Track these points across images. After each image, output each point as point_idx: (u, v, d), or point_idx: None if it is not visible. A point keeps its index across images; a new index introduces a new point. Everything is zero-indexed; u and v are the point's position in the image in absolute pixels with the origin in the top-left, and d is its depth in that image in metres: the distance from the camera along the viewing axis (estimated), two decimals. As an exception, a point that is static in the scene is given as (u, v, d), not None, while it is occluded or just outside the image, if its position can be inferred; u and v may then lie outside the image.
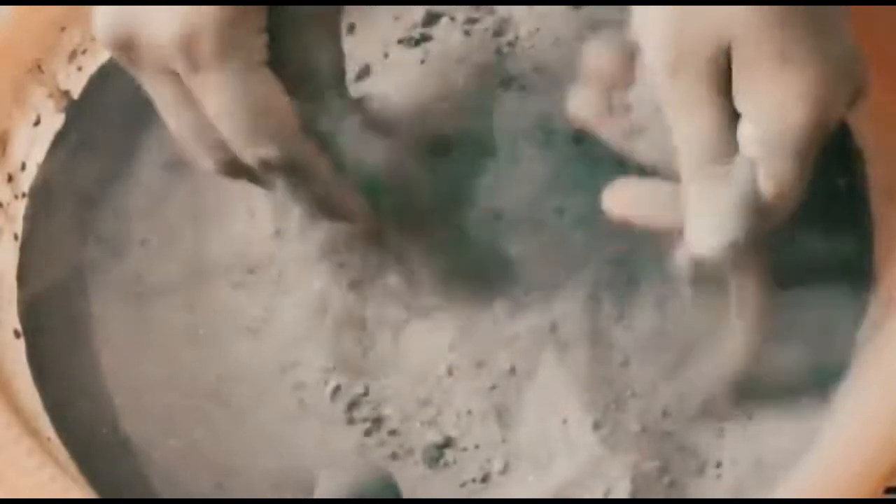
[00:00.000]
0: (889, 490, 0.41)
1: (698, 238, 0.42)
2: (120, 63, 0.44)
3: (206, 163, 0.45)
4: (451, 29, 0.54)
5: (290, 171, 0.44)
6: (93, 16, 0.44)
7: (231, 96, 0.42)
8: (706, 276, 0.43)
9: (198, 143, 0.44)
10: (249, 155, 0.43)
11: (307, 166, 0.44)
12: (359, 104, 0.46)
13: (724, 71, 0.40)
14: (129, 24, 0.42)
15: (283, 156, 0.43)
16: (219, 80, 0.42)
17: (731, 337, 0.45)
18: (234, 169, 0.45)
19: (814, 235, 0.51)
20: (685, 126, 0.41)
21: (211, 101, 0.42)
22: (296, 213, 0.47)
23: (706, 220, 0.41)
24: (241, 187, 0.48)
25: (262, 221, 0.51)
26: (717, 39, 0.40)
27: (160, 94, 0.44)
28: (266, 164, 0.43)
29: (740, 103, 0.41)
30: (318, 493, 0.45)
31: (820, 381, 0.48)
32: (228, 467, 0.47)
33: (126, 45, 0.43)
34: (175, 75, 0.43)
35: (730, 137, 0.41)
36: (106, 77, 0.54)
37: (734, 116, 0.41)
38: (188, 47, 0.41)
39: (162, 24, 0.42)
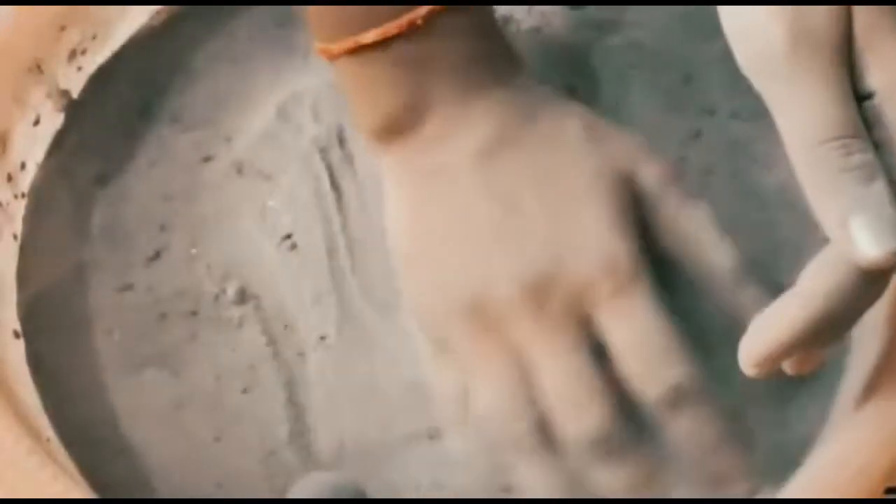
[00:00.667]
0: (889, 490, 0.41)
1: (859, 243, 0.35)
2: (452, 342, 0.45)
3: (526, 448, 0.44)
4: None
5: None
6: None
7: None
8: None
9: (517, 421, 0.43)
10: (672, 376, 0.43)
11: None
12: None
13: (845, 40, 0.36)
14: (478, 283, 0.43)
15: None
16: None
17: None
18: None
19: (813, 235, 0.51)
20: (806, 101, 0.36)
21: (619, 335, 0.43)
22: None
23: (864, 220, 0.35)
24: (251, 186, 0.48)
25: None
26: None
27: (495, 367, 0.44)
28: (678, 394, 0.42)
29: (869, 75, 0.36)
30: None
31: (819, 381, 0.48)
32: (228, 467, 0.47)
33: (478, 309, 0.43)
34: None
35: (855, 116, 0.36)
36: (106, 77, 0.54)
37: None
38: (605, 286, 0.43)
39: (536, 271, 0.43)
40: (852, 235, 0.35)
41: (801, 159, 0.36)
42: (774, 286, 0.41)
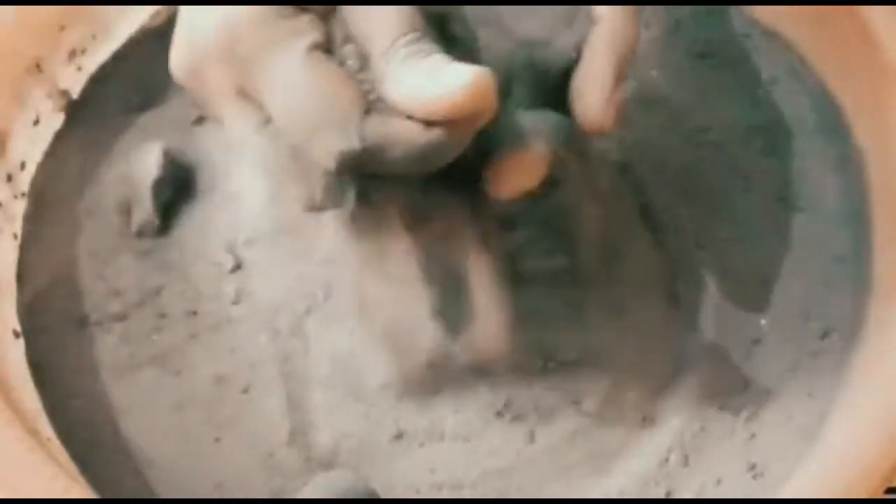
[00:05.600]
0: (889, 490, 0.41)
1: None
2: (202, 104, 0.44)
3: (293, 194, 0.43)
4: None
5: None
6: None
7: (288, 88, 0.40)
8: None
9: (282, 173, 0.43)
10: (324, 154, 0.41)
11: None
12: None
13: None
14: (196, 53, 0.42)
15: (356, 147, 0.40)
16: (272, 75, 0.40)
17: None
18: (333, 196, 0.43)
19: (813, 235, 0.51)
20: None
21: (271, 101, 0.41)
22: None
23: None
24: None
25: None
26: None
27: (241, 125, 0.42)
28: (344, 161, 0.41)
29: None
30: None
31: (819, 382, 0.48)
32: (228, 467, 0.47)
33: (195, 76, 0.42)
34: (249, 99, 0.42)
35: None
36: (105, 77, 0.54)
37: None
38: (233, 49, 0.40)
39: (207, 35, 0.41)
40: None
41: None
42: None
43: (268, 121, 0.42)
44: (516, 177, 0.44)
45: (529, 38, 0.44)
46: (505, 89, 0.43)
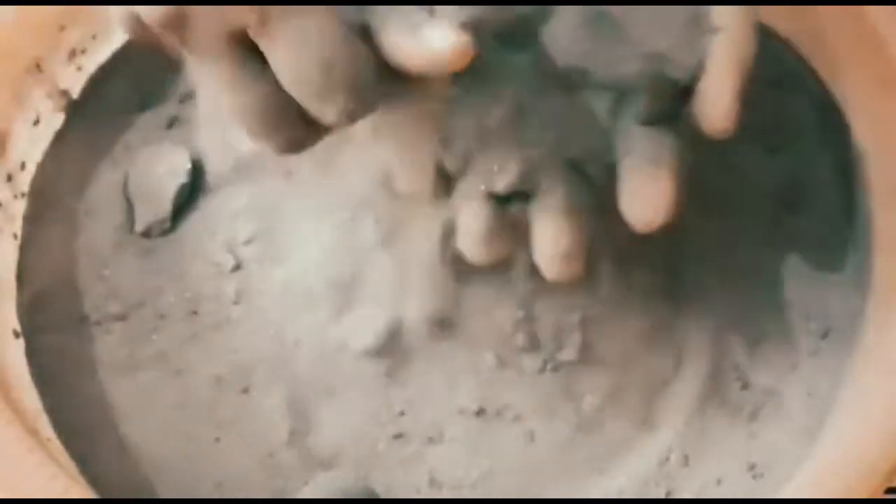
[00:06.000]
0: (889, 490, 0.41)
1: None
2: (169, 45, 0.41)
3: (274, 141, 0.42)
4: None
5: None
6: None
7: (309, 40, 0.39)
8: None
9: (264, 120, 0.41)
10: (331, 110, 0.40)
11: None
12: None
13: None
14: None
15: (364, 104, 0.40)
16: (296, 25, 0.39)
17: None
18: (302, 143, 0.42)
19: (813, 235, 0.51)
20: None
21: (286, 52, 0.40)
22: None
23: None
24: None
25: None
26: None
27: (220, 71, 0.41)
28: (350, 116, 0.40)
29: None
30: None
31: (819, 382, 0.48)
32: (228, 467, 0.47)
33: (178, 20, 0.40)
34: (234, 48, 0.40)
35: None
36: (106, 77, 0.54)
37: None
38: None
39: None
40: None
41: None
42: None
43: (259, 72, 0.41)
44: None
45: (657, 52, 0.44)
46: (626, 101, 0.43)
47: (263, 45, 0.40)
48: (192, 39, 0.40)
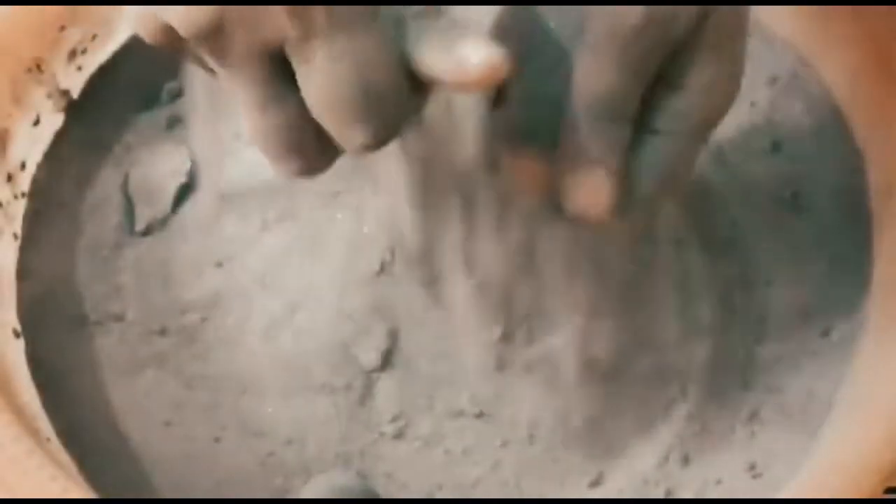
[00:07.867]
0: (889, 490, 0.41)
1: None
2: (196, 57, 0.39)
3: (291, 166, 0.40)
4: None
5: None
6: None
7: (351, 60, 0.37)
8: None
9: (286, 145, 0.39)
10: (359, 136, 0.38)
11: None
12: None
13: None
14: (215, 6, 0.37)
15: (394, 131, 0.38)
16: (340, 42, 0.37)
17: None
18: (319, 169, 0.41)
19: (813, 235, 0.51)
20: None
21: (324, 72, 0.37)
22: None
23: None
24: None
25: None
26: None
27: (249, 90, 0.38)
28: (377, 143, 0.38)
29: None
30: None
31: (819, 381, 0.48)
32: (228, 467, 0.47)
33: (215, 31, 0.37)
34: (266, 64, 0.38)
35: None
36: (106, 77, 0.54)
37: None
38: (303, 11, 0.36)
39: None
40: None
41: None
42: None
43: (288, 93, 0.38)
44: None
45: None
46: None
47: (298, 63, 0.37)
48: (224, 52, 0.37)
